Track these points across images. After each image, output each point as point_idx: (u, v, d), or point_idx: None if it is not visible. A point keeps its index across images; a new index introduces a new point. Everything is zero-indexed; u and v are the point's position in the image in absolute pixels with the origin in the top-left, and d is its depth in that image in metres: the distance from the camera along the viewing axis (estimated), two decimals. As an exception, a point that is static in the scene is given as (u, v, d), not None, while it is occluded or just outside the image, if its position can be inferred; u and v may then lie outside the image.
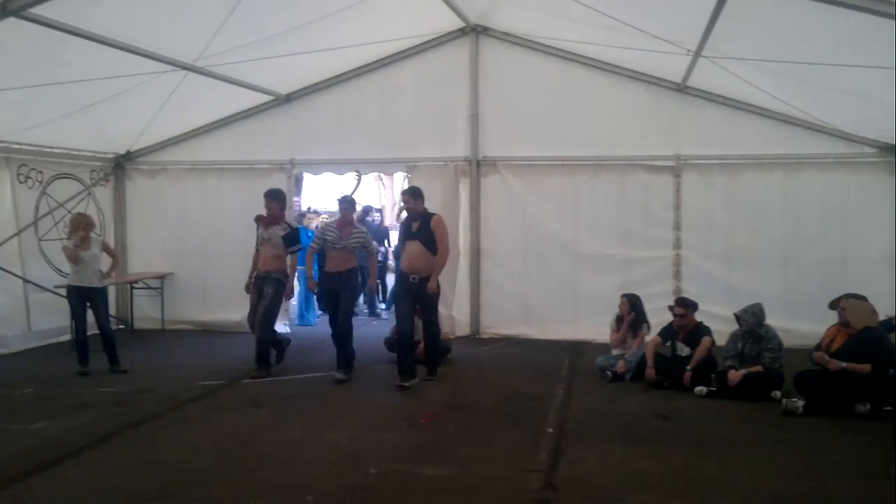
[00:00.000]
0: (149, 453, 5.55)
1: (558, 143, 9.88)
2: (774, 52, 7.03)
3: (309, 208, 15.84)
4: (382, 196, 22.16)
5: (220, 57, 8.04)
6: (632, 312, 7.98)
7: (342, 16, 7.90)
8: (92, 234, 8.16)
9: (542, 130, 9.96)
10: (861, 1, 5.00)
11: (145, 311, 11.01)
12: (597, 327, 9.01)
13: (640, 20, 7.31)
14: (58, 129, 9.01)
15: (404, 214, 8.13)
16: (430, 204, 9.21)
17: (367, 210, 14.43)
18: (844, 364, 6.38)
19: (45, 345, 9.52)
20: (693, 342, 7.39)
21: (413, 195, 7.79)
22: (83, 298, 8.01)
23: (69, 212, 9.55)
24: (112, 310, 9.85)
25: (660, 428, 6.19)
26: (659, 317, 8.04)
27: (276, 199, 8.13)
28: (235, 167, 10.66)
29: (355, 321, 8.23)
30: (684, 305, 7.63)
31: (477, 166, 10.19)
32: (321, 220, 13.10)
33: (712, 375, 7.17)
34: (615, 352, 7.97)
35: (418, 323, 7.80)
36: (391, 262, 13.23)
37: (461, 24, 9.83)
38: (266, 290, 7.95)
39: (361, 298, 11.61)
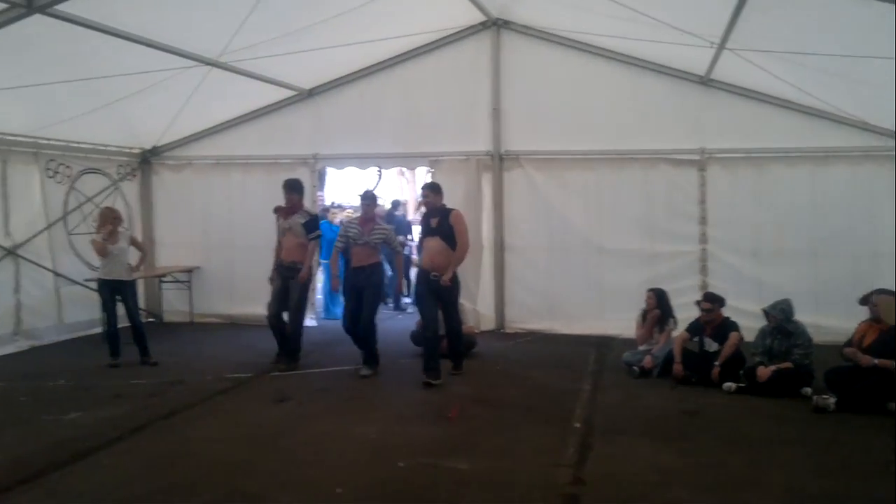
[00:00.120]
0: (180, 445, 5.64)
1: (581, 136, 9.83)
2: (800, 43, 6.95)
3: (332, 203, 15.89)
4: (405, 190, 22.15)
5: (244, 52, 8.09)
6: (656, 310, 7.95)
7: (364, 11, 7.91)
8: (120, 228, 8.25)
9: (565, 124, 9.92)
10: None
11: (174, 305, 11.15)
12: (623, 322, 8.97)
13: (663, 12, 7.26)
14: (85, 124, 9.12)
15: (422, 209, 8.12)
16: (453, 199, 9.23)
17: (396, 204, 14.42)
18: (876, 360, 6.31)
19: (76, 337, 9.66)
20: (721, 338, 7.35)
21: (433, 190, 7.79)
22: (113, 291, 8.12)
23: (97, 206, 9.66)
24: (142, 303, 9.96)
25: (688, 424, 6.16)
26: (686, 312, 8.00)
27: (294, 190, 8.13)
28: (260, 162, 10.72)
29: (380, 315, 8.24)
30: (711, 300, 7.59)
31: (499, 160, 10.18)
32: (345, 214, 13.13)
33: (741, 371, 7.11)
34: (642, 347, 7.94)
35: (442, 318, 7.79)
36: (415, 257, 13.25)
37: (482, 17, 9.79)
38: (293, 284, 7.98)
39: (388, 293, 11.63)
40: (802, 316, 7.28)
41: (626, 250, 9.73)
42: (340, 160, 11.04)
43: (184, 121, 10.18)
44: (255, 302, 10.12)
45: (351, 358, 8.07)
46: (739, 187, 9.51)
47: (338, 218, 12.54)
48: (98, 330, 9.27)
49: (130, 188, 10.95)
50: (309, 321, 9.61)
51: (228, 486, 4.80)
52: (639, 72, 9.66)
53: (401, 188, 22.88)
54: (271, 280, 8.19)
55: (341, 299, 11.44)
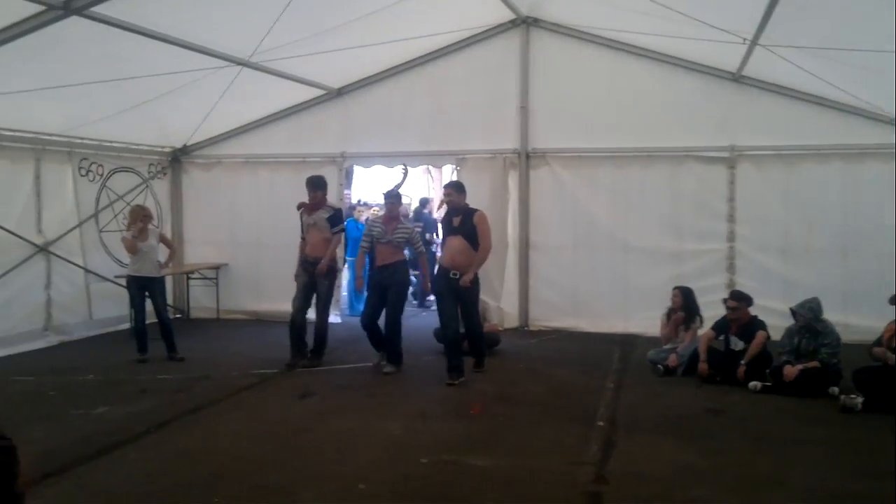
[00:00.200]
0: (205, 439, 5.70)
1: (609, 134, 9.79)
2: (834, 39, 6.86)
3: (359, 201, 15.97)
4: (431, 189, 22.20)
5: (274, 52, 8.15)
6: (679, 312, 7.88)
7: (394, 10, 7.93)
8: (150, 226, 8.37)
9: (593, 122, 9.88)
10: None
11: (201, 301, 11.28)
12: (648, 321, 8.92)
13: (694, 9, 7.19)
14: (117, 124, 9.25)
15: (444, 208, 8.10)
16: (479, 196, 9.26)
17: (424, 202, 14.42)
18: (905, 360, 6.22)
19: (105, 333, 9.81)
20: (747, 336, 7.27)
21: (456, 189, 7.75)
22: (142, 288, 8.24)
23: (128, 204, 9.78)
24: (169, 299, 10.10)
25: (713, 423, 6.11)
26: (713, 310, 7.92)
27: (318, 186, 8.09)
28: (288, 160, 10.79)
29: (405, 312, 8.25)
30: (737, 298, 7.50)
31: (526, 158, 10.16)
32: (372, 212, 13.19)
33: (767, 371, 7.02)
34: (667, 346, 7.88)
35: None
36: (440, 254, 13.27)
37: (512, 15, 9.79)
38: (322, 282, 7.98)
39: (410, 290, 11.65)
40: (831, 315, 7.20)
41: (652, 248, 9.67)
42: (368, 158, 11.11)
43: (214, 120, 10.29)
44: (280, 299, 10.16)
45: (374, 354, 8.11)
46: (769, 185, 9.41)
47: (364, 216, 12.60)
48: (126, 326, 9.43)
49: (161, 186, 11.10)
50: (333, 317, 9.66)
51: (252, 481, 4.84)
52: (669, 69, 9.60)
53: (428, 186, 22.92)
54: (297, 276, 8.20)
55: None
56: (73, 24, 6.12)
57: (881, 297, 6.89)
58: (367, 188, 18.38)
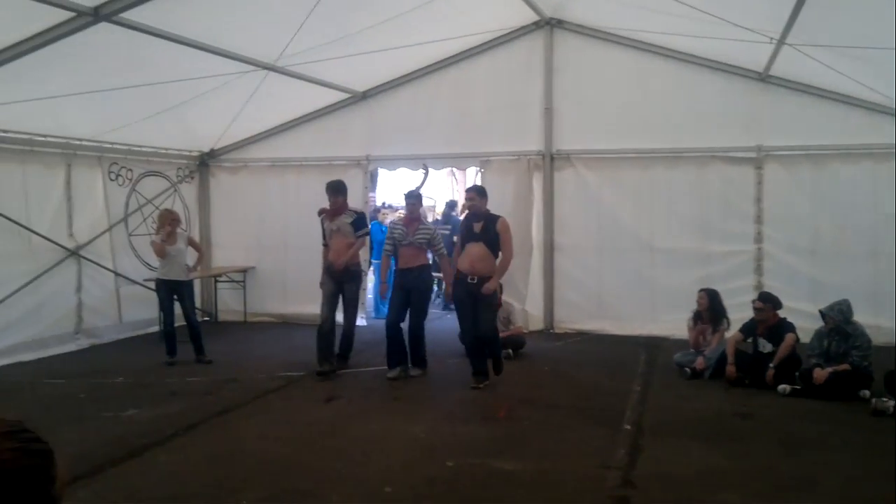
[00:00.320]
0: (233, 442, 5.75)
1: (634, 135, 9.74)
2: (862, 37, 6.76)
3: (384, 203, 16.02)
4: (455, 191, 22.23)
5: (300, 56, 8.21)
6: (703, 324, 7.80)
7: (419, 13, 7.97)
8: (178, 230, 8.45)
9: (618, 123, 9.83)
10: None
11: (228, 304, 11.38)
12: (674, 323, 8.86)
13: (720, 8, 7.13)
14: (146, 128, 9.36)
15: (465, 212, 8.03)
16: (503, 199, 9.26)
17: (453, 205, 14.36)
18: (938, 363, 6.12)
19: (134, 336, 9.92)
20: (776, 339, 7.18)
21: (479, 194, 7.56)
22: (171, 291, 8.33)
23: (157, 208, 9.93)
24: (197, 302, 10.20)
25: (741, 427, 6.06)
26: (740, 312, 7.85)
27: (339, 191, 7.95)
28: (314, 164, 10.83)
29: (429, 315, 8.24)
30: (764, 300, 7.43)
31: (550, 160, 10.13)
32: (397, 215, 13.23)
33: (796, 374, 6.94)
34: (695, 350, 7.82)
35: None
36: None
37: (536, 17, 9.77)
38: (349, 287, 7.93)
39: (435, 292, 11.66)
40: (861, 317, 7.10)
41: (678, 249, 9.60)
42: (392, 161, 11.15)
43: (241, 124, 10.38)
44: (306, 301, 10.22)
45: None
46: (797, 185, 9.30)
47: (388, 219, 12.64)
48: (155, 329, 9.52)
49: (189, 190, 11.22)
50: (359, 320, 9.69)
51: (279, 484, 4.88)
52: (695, 69, 9.53)
53: (452, 188, 22.94)
54: (322, 284, 8.04)
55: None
56: (103, 30, 6.21)
57: (913, 300, 6.78)
58: (391, 191, 18.45)
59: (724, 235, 9.49)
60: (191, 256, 8.63)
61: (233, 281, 11.23)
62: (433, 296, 11.08)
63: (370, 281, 11.45)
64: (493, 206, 7.68)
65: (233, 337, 10.12)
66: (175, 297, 8.36)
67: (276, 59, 8.27)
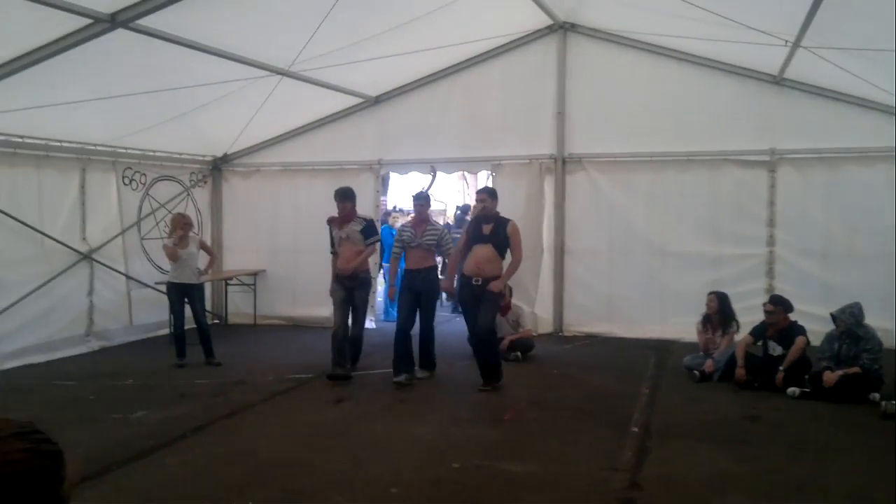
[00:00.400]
0: (241, 443, 5.76)
1: (646, 138, 9.72)
2: (877, 40, 6.69)
3: (395, 207, 16.05)
4: (466, 195, 22.26)
5: (313, 62, 8.24)
6: (712, 327, 7.75)
7: (431, 18, 8.00)
8: (190, 233, 8.51)
9: (630, 126, 9.81)
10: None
11: (239, 307, 11.43)
12: (684, 326, 8.80)
13: (734, 11, 7.10)
14: (160, 133, 9.45)
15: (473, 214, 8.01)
16: (515, 202, 9.25)
17: (466, 209, 14.35)
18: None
19: (145, 338, 9.97)
20: (786, 342, 7.13)
21: (490, 195, 7.52)
22: (181, 294, 8.38)
23: (170, 212, 9.99)
24: (208, 305, 10.25)
25: (750, 429, 6.01)
26: (751, 315, 7.80)
27: (347, 198, 7.90)
28: (325, 168, 10.89)
29: (438, 318, 8.21)
30: (774, 303, 7.38)
31: (562, 164, 10.13)
32: (407, 219, 13.27)
33: (806, 377, 6.89)
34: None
35: (500, 321, 7.66)
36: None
37: (549, 21, 9.78)
38: (359, 294, 7.90)
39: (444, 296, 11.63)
40: (872, 320, 7.04)
41: (689, 253, 9.56)
42: (404, 165, 11.17)
43: (253, 129, 10.44)
44: (317, 304, 10.30)
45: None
46: (810, 188, 9.24)
47: (399, 222, 12.67)
48: (165, 331, 9.58)
49: (201, 195, 11.29)
50: (368, 323, 9.70)
51: (286, 485, 4.89)
52: (708, 72, 9.50)
53: (463, 192, 22.96)
54: (332, 292, 8.00)
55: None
56: (119, 36, 6.27)
57: (926, 303, 6.71)
58: (401, 195, 18.47)
59: (736, 238, 9.44)
60: (202, 260, 8.67)
61: (243, 284, 11.28)
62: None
63: (380, 284, 11.45)
64: (504, 209, 7.66)
65: (242, 339, 10.16)
66: (186, 300, 8.41)
67: (290, 65, 8.31)
